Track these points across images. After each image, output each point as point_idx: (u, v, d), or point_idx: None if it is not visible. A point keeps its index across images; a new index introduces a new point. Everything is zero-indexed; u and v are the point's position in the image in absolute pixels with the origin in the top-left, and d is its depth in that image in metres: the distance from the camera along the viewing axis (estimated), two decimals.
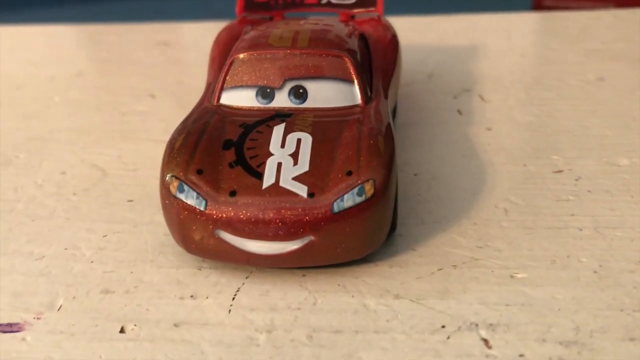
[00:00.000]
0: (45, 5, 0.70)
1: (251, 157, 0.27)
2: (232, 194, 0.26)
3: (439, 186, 0.33)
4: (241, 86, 0.31)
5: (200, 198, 0.26)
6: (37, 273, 0.28)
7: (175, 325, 0.25)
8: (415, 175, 0.34)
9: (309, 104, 0.30)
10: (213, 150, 0.27)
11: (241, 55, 0.31)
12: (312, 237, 0.26)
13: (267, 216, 0.25)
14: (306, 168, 0.26)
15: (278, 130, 0.28)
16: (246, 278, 0.27)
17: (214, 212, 0.26)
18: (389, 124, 0.29)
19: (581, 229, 0.29)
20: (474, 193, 0.32)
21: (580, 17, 0.56)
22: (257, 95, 0.30)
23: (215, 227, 0.26)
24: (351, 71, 0.31)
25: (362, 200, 0.26)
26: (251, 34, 0.34)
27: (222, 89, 0.31)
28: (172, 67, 0.49)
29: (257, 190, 0.26)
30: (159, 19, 0.60)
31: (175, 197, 0.26)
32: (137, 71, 0.50)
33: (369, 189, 0.26)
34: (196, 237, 0.26)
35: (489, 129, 0.38)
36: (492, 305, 0.25)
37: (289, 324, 0.25)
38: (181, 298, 0.26)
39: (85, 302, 0.26)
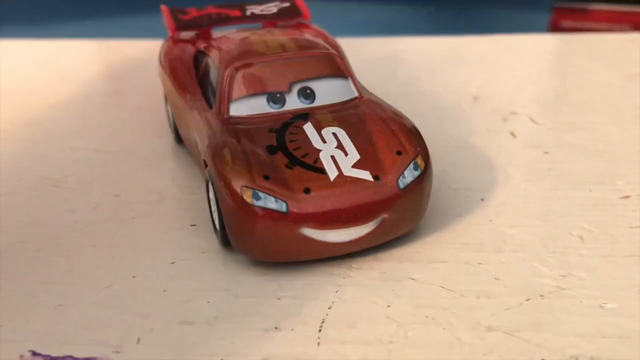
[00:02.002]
0: (68, 20, 0.69)
1: (302, 156, 0.28)
2: (307, 191, 0.27)
3: (508, 212, 0.32)
4: (249, 95, 0.31)
5: (280, 201, 0.27)
6: (107, 303, 0.27)
7: (265, 359, 0.24)
8: (482, 200, 0.33)
9: (317, 102, 0.32)
10: (262, 156, 0.28)
11: (235, 67, 0.32)
12: (385, 215, 0.28)
13: (345, 204, 0.27)
14: (357, 156, 0.28)
15: (308, 128, 0.30)
16: (329, 309, 0.26)
17: (297, 210, 0.27)
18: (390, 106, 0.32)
19: None
20: (545, 220, 0.32)
21: (613, 39, 0.56)
22: (268, 101, 0.31)
23: (299, 225, 0.27)
24: (342, 67, 0.33)
25: (418, 173, 0.29)
26: (228, 46, 0.34)
27: (228, 102, 0.31)
28: None
29: (328, 184, 0.27)
30: None
31: (252, 206, 0.27)
32: None
33: (421, 162, 0.29)
34: (278, 240, 0.27)
35: (546, 153, 0.38)
36: (588, 337, 0.25)
37: (384, 358, 0.24)
38: (265, 330, 0.25)
39: (164, 334, 0.25)
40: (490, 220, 0.32)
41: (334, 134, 0.29)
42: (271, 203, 0.27)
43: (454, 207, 0.33)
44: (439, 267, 0.29)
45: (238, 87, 0.31)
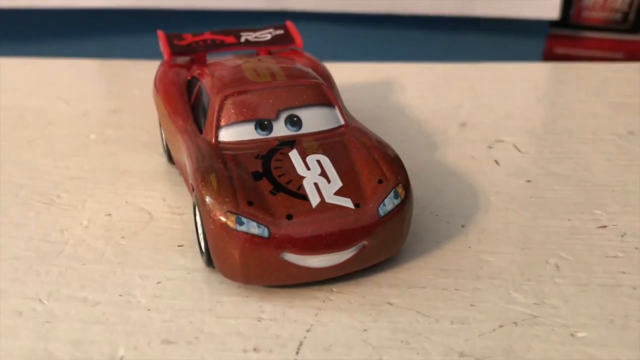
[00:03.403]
0: (67, 38, 0.71)
1: (287, 183, 0.29)
2: (289, 217, 0.28)
3: (488, 239, 0.33)
4: (238, 122, 0.32)
5: (262, 226, 0.28)
6: (94, 320, 0.28)
7: None
8: (462, 226, 0.34)
9: (304, 130, 0.33)
10: (248, 182, 0.29)
11: (231, 94, 0.33)
12: (365, 242, 0.29)
13: (326, 231, 0.28)
14: (340, 184, 0.29)
15: (294, 156, 0.31)
16: (307, 331, 0.27)
17: (279, 236, 0.28)
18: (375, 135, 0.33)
19: (635, 288, 0.29)
20: (523, 248, 0.33)
21: (600, 69, 0.57)
22: (255, 128, 0.32)
23: (281, 250, 0.28)
24: (329, 96, 0.34)
25: (398, 201, 0.30)
26: (220, 73, 0.35)
27: (217, 128, 0.32)
28: None
29: (309, 210, 0.28)
30: None
31: (236, 231, 0.27)
32: None
33: (401, 191, 0.30)
34: (260, 264, 0.28)
35: (528, 181, 0.39)
36: None
37: None
38: (244, 351, 0.26)
39: (147, 353, 0.26)
40: (470, 247, 0.33)
41: (318, 161, 0.30)
42: (254, 228, 0.28)
43: (435, 233, 0.34)
44: (417, 293, 0.29)
45: (227, 114, 0.33)
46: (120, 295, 0.29)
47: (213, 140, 0.32)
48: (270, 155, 0.31)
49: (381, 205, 0.29)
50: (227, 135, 0.32)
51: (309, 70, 0.36)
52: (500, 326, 0.27)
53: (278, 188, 0.29)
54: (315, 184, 0.29)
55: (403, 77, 0.55)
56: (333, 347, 0.26)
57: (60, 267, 0.31)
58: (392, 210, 0.29)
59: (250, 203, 0.28)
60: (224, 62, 0.37)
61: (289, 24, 0.44)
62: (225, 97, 0.33)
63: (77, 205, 0.37)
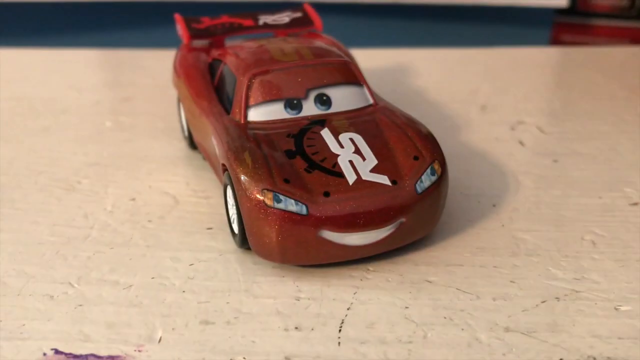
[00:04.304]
0: (74, 29, 0.70)
1: (321, 161, 0.29)
2: (326, 194, 0.27)
3: (521, 218, 0.33)
4: (267, 101, 0.32)
5: (300, 204, 0.27)
6: (127, 303, 0.27)
7: (287, 358, 0.24)
8: (494, 206, 0.34)
9: (334, 109, 0.32)
10: (282, 161, 0.29)
11: (259, 73, 0.32)
12: (403, 219, 0.28)
13: (364, 208, 0.27)
14: (375, 161, 0.29)
15: (326, 134, 0.30)
16: (347, 309, 0.27)
17: (317, 213, 0.27)
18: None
19: None
20: (557, 225, 0.32)
21: (615, 52, 0.57)
22: (285, 107, 0.32)
23: (319, 227, 0.27)
24: (357, 75, 0.33)
25: (435, 178, 0.29)
26: (245, 53, 0.35)
27: (246, 107, 0.32)
28: None
29: (347, 187, 0.28)
30: None
31: (273, 209, 0.27)
32: None
33: (437, 167, 0.29)
34: (298, 243, 0.27)
35: (555, 161, 0.38)
36: (604, 338, 0.25)
37: (404, 357, 0.24)
38: (286, 329, 0.26)
39: (186, 333, 0.25)
40: (503, 226, 0.32)
41: (351, 139, 0.30)
42: (292, 206, 0.27)
43: (467, 213, 0.33)
44: (455, 271, 0.29)
45: (255, 94, 0.32)
46: (152, 278, 0.29)
47: (242, 120, 0.31)
48: (302, 134, 0.30)
49: (418, 182, 0.29)
50: (256, 115, 0.32)
51: (334, 49, 0.35)
52: (543, 301, 0.27)
53: (313, 166, 0.28)
54: (351, 162, 0.29)
55: (417, 63, 0.55)
56: (376, 325, 0.26)
57: (87, 251, 0.31)
58: (430, 186, 0.29)
59: (286, 180, 0.28)
60: (246, 43, 0.37)
61: (307, 6, 0.43)
62: (254, 76, 0.32)
63: (99, 191, 0.36)
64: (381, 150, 0.29)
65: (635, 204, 0.34)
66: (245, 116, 0.32)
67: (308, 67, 0.33)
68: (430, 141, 0.30)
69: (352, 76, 0.33)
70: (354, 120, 0.31)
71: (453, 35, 0.71)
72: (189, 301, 0.27)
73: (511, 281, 0.28)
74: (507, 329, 0.25)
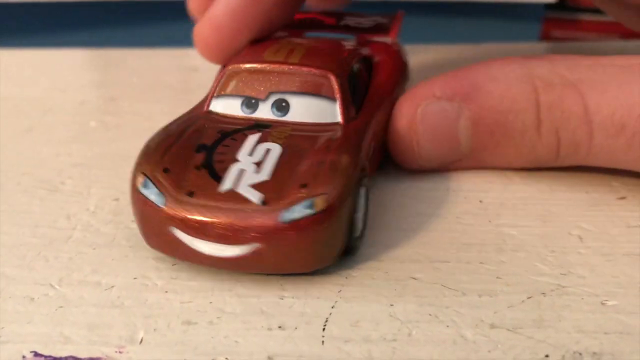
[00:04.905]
0: (59, 29, 0.69)
1: (218, 162, 0.28)
2: (190, 194, 0.27)
3: (508, 213, 0.32)
4: (229, 95, 0.32)
5: (161, 195, 0.27)
6: (109, 304, 0.27)
7: (269, 357, 0.24)
8: (480, 201, 0.33)
9: (289, 117, 0.31)
10: (185, 152, 0.29)
11: (234, 66, 0.33)
12: (258, 245, 0.26)
13: (215, 219, 0.26)
14: (266, 177, 0.27)
15: (252, 139, 0.29)
16: (332, 308, 0.26)
17: (169, 209, 0.27)
18: (365, 145, 0.30)
19: None
20: (544, 220, 0.32)
21: (604, 47, 0.57)
22: (242, 104, 0.32)
23: (170, 224, 0.27)
24: (335, 89, 0.31)
25: (311, 213, 0.26)
26: (253, 46, 0.35)
27: (212, 97, 0.32)
28: (204, 93, 0.49)
29: (213, 193, 0.27)
30: (179, 45, 0.59)
31: (139, 192, 0.27)
32: (171, 96, 0.49)
33: (319, 203, 0.26)
34: (155, 231, 0.28)
35: None
36: (591, 333, 0.25)
37: (388, 356, 0.24)
38: (269, 329, 0.25)
39: (168, 334, 0.25)
40: (490, 221, 0.32)
41: (268, 150, 0.28)
42: (153, 195, 0.27)
43: (453, 208, 0.33)
44: (441, 267, 0.29)
45: (223, 86, 0.32)
46: (134, 278, 0.28)
47: (205, 108, 0.32)
48: (230, 133, 0.30)
49: (287, 211, 0.26)
50: (217, 106, 0.32)
51: (341, 60, 0.33)
52: (529, 297, 0.27)
53: (206, 165, 0.28)
54: (242, 171, 0.27)
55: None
56: (360, 323, 0.25)
57: (69, 252, 0.30)
58: (300, 219, 0.26)
59: (166, 170, 0.28)
60: (279, 37, 0.37)
61: (401, 14, 0.42)
62: (227, 70, 0.32)
63: (82, 191, 0.36)
64: (283, 169, 0.27)
65: (623, 198, 0.34)
66: (209, 105, 0.32)
67: (282, 71, 0.32)
68: (337, 175, 0.27)
69: (327, 89, 0.31)
70: (297, 133, 0.30)
71: (441, 31, 0.71)
72: (171, 301, 0.27)
73: (497, 277, 0.28)
74: (492, 326, 0.25)
